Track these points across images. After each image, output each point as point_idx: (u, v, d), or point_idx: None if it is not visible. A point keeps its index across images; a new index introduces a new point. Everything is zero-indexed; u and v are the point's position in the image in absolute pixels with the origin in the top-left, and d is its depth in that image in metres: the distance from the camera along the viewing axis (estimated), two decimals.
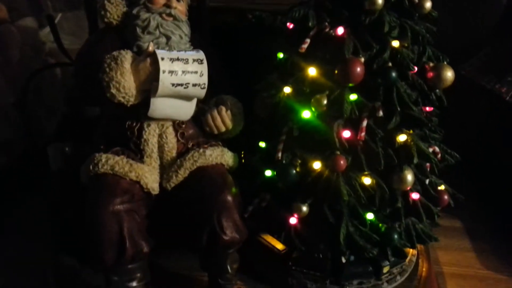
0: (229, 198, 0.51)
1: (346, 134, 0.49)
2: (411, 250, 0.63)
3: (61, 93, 1.01)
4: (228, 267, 0.53)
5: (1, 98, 0.84)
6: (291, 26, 0.55)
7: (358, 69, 0.47)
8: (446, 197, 0.56)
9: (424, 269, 0.63)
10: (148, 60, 0.50)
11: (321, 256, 0.52)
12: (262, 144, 0.58)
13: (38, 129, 0.93)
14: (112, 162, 0.50)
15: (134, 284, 0.51)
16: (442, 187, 0.57)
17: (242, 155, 0.62)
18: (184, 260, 0.60)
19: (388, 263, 0.54)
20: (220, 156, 0.54)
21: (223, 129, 0.55)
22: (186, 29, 0.57)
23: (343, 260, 0.50)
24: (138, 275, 0.51)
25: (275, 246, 0.59)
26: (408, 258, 0.61)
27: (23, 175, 0.88)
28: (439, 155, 0.55)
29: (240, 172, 0.58)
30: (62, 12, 1.06)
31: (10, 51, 0.87)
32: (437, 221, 0.57)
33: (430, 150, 0.54)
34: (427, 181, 0.55)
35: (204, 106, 0.56)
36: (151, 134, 0.52)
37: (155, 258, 0.56)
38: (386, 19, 0.47)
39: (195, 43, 0.58)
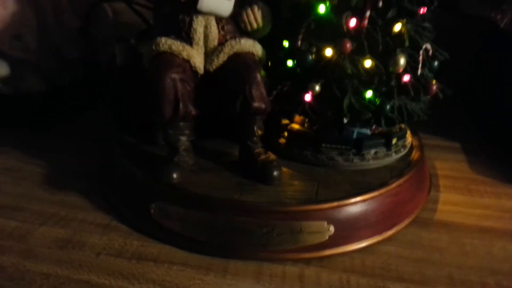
0: (258, 75, 0.65)
1: (353, 22, 0.62)
2: (410, 138, 0.79)
3: (112, 28, 1.17)
4: (255, 131, 0.68)
5: (69, 23, 1.01)
6: None
7: None
8: (434, 87, 0.68)
9: (416, 155, 0.76)
10: None
11: (328, 121, 0.66)
12: (285, 43, 0.72)
13: (97, 54, 1.10)
14: (169, 42, 0.66)
15: (184, 138, 0.67)
16: (433, 81, 0.70)
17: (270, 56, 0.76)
18: (221, 141, 0.77)
19: (396, 136, 0.70)
20: (252, 45, 0.69)
21: (255, 25, 0.69)
22: None
23: (345, 120, 0.64)
24: (187, 132, 0.67)
25: (306, 130, 0.74)
26: (409, 140, 0.76)
27: (85, 93, 1.06)
28: (431, 52, 0.68)
29: (266, 69, 0.72)
30: None
31: None
32: (427, 109, 0.70)
33: (423, 46, 0.67)
34: (419, 72, 0.67)
35: (239, 9, 0.70)
36: (198, 24, 0.67)
37: (199, 134, 0.71)
38: None
39: None
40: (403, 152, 0.76)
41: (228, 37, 0.69)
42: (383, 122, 0.65)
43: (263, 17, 0.69)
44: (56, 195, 0.76)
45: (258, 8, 0.69)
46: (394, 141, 0.73)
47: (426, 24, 0.67)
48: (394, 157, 0.74)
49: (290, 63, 0.69)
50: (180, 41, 0.67)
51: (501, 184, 0.83)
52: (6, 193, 0.76)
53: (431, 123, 0.74)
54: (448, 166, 0.89)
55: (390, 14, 0.62)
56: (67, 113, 1.02)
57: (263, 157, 0.68)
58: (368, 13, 0.61)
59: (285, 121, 0.76)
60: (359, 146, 0.71)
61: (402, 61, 0.63)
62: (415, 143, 0.80)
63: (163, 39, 0.66)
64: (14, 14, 0.96)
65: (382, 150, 0.73)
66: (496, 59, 0.89)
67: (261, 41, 0.72)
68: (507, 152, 0.90)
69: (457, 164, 0.90)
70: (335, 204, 0.64)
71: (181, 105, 0.64)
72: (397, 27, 0.62)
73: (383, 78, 0.64)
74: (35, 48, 0.97)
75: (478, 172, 0.87)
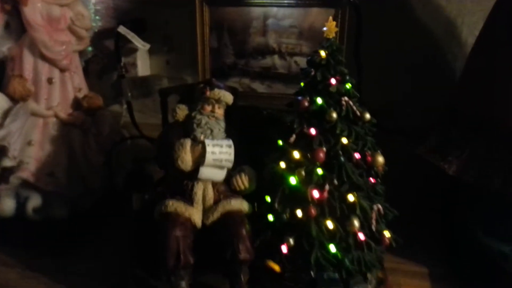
0: (244, 231, 0.82)
1: (316, 194, 0.81)
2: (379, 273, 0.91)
3: (129, 155, 1.39)
4: (242, 277, 0.83)
5: (95, 159, 1.22)
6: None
7: (321, 154, 0.80)
8: (387, 239, 0.85)
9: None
10: (200, 145, 0.85)
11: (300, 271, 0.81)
12: (267, 198, 0.90)
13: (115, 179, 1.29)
14: (175, 205, 0.84)
15: (183, 283, 0.82)
16: (386, 232, 0.86)
17: (255, 205, 0.93)
18: (214, 278, 0.91)
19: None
20: (240, 204, 0.87)
21: (242, 188, 0.88)
22: (223, 124, 0.92)
23: (312, 274, 0.79)
24: (186, 277, 0.83)
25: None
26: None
27: (104, 214, 1.24)
28: (381, 210, 0.85)
29: (253, 216, 0.89)
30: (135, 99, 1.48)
31: (103, 127, 1.26)
32: (382, 255, 0.86)
33: (375, 207, 0.84)
34: (373, 227, 0.84)
35: (231, 172, 0.89)
36: (198, 188, 0.86)
37: (196, 274, 0.86)
38: (338, 125, 0.81)
39: (228, 133, 0.92)
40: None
41: (221, 196, 0.88)
42: (344, 273, 0.80)
43: (249, 179, 0.88)
44: None
45: (245, 174, 0.88)
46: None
47: (378, 187, 0.85)
48: None
49: (270, 217, 0.86)
50: (184, 201, 0.85)
51: None
52: None
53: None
54: None
55: (343, 188, 0.80)
56: (88, 235, 1.19)
57: None
58: (327, 187, 0.80)
59: (276, 267, 0.87)
60: None
61: (356, 223, 0.80)
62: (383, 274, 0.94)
63: (170, 202, 0.84)
64: (49, 154, 1.17)
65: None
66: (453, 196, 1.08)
67: (248, 195, 0.90)
68: (467, 280, 1.03)
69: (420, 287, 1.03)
70: None
71: (182, 257, 0.80)
72: (350, 197, 0.80)
73: (343, 236, 0.80)
74: (65, 183, 1.17)
75: None
